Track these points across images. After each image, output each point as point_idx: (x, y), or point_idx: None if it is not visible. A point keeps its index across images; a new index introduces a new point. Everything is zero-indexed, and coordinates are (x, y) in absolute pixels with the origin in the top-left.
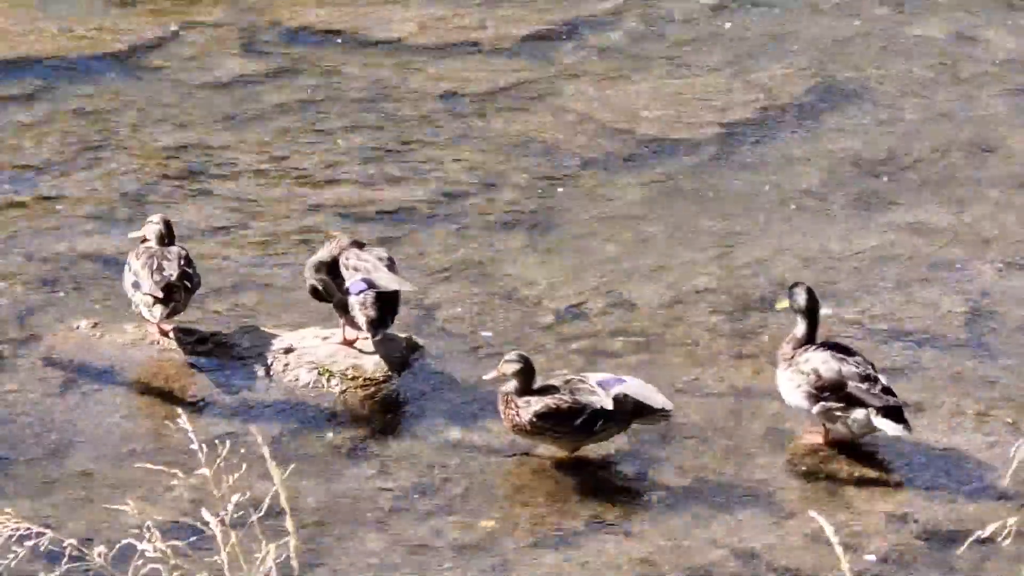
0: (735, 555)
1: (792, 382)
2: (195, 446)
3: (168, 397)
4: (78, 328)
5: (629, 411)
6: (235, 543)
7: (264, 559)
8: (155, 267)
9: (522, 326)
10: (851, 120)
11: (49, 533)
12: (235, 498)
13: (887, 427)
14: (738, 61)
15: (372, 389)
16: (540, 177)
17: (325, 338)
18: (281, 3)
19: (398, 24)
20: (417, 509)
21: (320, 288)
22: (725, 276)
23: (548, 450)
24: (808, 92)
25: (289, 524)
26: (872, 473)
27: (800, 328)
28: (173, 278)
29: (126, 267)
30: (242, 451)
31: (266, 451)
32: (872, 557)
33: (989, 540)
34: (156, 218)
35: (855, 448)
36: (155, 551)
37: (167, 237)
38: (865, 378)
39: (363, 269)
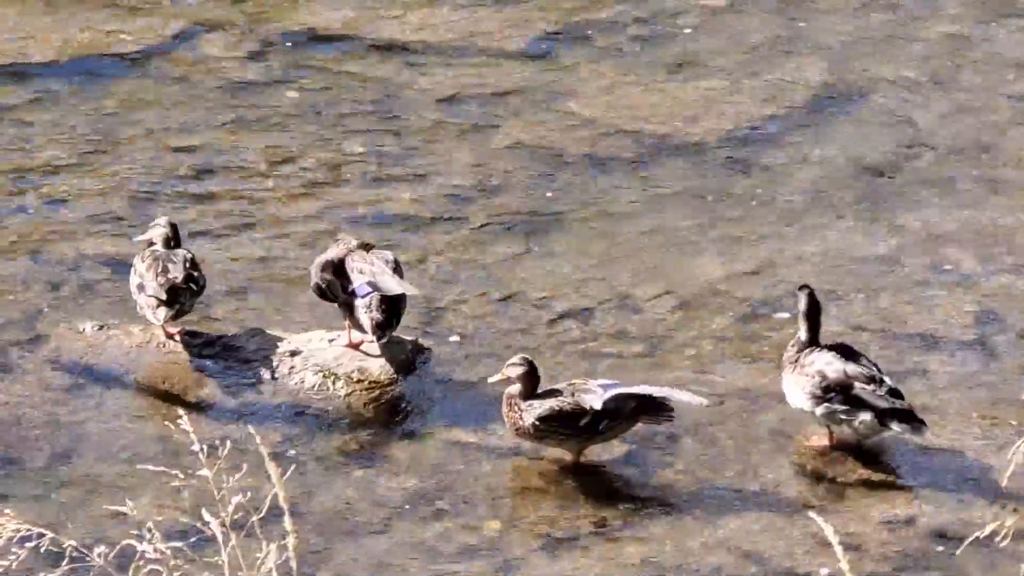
0: (741, 557)
1: (797, 384)
2: (196, 447)
3: (174, 400)
4: (84, 330)
5: (631, 410)
6: (236, 544)
7: (264, 560)
8: (160, 270)
9: (527, 329)
10: (858, 122)
11: (50, 534)
12: (235, 499)
13: (905, 431)
14: (745, 63)
15: (377, 392)
16: (545, 180)
17: (331, 341)
18: (289, 6)
19: (404, 27)
20: (423, 512)
21: (324, 287)
22: (730, 279)
23: (554, 453)
24: (815, 94)
25: (288, 523)
26: (877, 476)
27: (802, 332)
28: (178, 281)
29: (132, 269)
30: (247, 453)
31: (263, 450)
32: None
33: (990, 540)
34: (162, 221)
35: (860, 450)
36: (155, 552)
37: (173, 240)
38: (871, 380)
39: (368, 272)
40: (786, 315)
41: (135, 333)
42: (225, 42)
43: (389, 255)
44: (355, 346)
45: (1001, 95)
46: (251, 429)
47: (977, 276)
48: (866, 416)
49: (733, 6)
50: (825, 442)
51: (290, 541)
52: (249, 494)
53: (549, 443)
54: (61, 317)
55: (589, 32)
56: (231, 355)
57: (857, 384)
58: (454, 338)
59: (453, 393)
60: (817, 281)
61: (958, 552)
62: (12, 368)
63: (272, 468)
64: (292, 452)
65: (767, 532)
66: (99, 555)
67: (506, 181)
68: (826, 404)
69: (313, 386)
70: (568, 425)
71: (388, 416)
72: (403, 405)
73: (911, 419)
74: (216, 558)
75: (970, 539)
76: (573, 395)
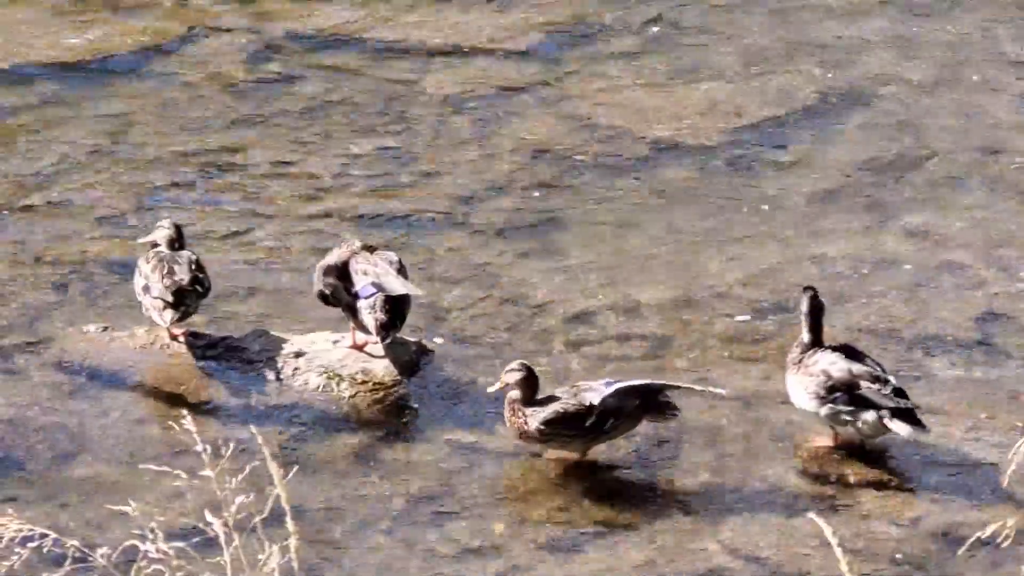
0: (744, 559)
1: (801, 385)
2: (200, 448)
3: (177, 401)
4: (88, 332)
5: (635, 407)
6: (239, 545)
7: (267, 561)
8: (166, 271)
9: (530, 330)
10: (863, 124)
11: (52, 535)
12: (238, 500)
13: (901, 429)
14: (748, 65)
15: (382, 393)
16: (548, 181)
17: (335, 342)
18: (293, 7)
19: (408, 28)
20: (426, 513)
21: (328, 293)
22: (734, 280)
23: (558, 454)
24: (817, 96)
25: (290, 524)
26: (882, 476)
27: (805, 333)
28: (184, 282)
29: (136, 271)
30: (250, 455)
31: (266, 451)
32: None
33: (992, 540)
34: (166, 223)
35: (863, 451)
36: (158, 553)
37: (177, 241)
38: (875, 379)
39: (372, 273)
40: (790, 316)
41: (139, 335)
42: (231, 43)
43: (393, 256)
44: (359, 347)
45: (1007, 96)
46: (254, 430)
47: (981, 278)
48: (870, 416)
49: (737, 7)
50: (828, 443)
51: (292, 542)
52: (252, 495)
53: (554, 445)
54: (65, 319)
55: (594, 34)
56: (235, 356)
57: (863, 383)
58: (458, 339)
59: (457, 394)
60: (821, 283)
61: (960, 552)
62: (17, 370)
63: (274, 469)
64: (295, 453)
65: (770, 533)
66: (102, 556)
67: (511, 183)
68: (830, 404)
69: (317, 387)
70: (573, 426)
71: (392, 417)
72: (407, 406)
73: (914, 419)
74: (219, 559)
75: (972, 539)
76: (575, 396)
